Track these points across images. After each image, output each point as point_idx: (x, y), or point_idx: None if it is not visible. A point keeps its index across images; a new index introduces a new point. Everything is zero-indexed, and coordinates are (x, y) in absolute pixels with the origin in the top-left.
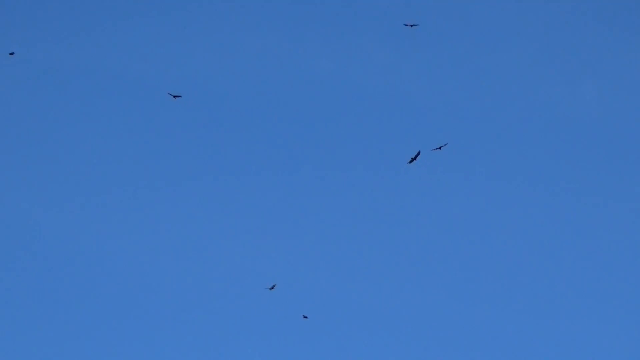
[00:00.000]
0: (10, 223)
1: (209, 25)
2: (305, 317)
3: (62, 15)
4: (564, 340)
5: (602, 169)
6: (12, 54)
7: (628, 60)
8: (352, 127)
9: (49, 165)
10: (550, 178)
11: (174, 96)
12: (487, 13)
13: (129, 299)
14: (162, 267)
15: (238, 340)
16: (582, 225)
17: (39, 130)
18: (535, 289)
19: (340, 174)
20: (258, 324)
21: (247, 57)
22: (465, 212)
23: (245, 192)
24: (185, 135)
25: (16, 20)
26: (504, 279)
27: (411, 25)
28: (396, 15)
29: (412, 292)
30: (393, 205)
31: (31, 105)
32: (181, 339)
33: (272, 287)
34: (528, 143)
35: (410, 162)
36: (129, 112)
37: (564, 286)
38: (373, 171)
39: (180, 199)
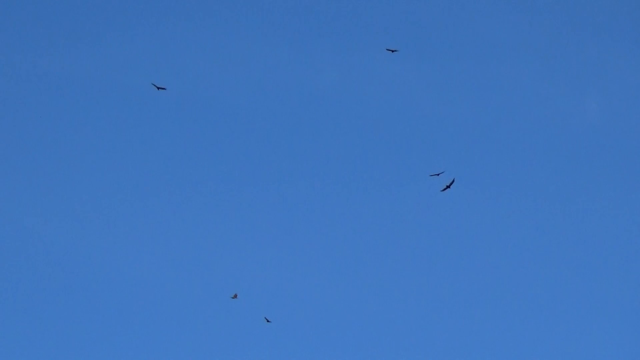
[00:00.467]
0: (8, 231)
1: (213, 36)
2: (268, 321)
3: (70, 23)
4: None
5: (605, 183)
6: None
7: (631, 74)
8: (355, 140)
9: (46, 170)
10: (552, 191)
11: (158, 87)
12: (491, 27)
13: (125, 305)
14: (158, 274)
15: (234, 346)
16: (585, 239)
17: (35, 136)
18: (537, 303)
19: (342, 186)
20: (256, 330)
21: (250, 68)
22: (466, 223)
23: (245, 202)
24: (186, 143)
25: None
26: (505, 290)
27: (392, 51)
28: (403, 28)
29: (408, 301)
30: (393, 218)
31: (27, 112)
32: (179, 345)
33: (234, 297)
34: (531, 156)
35: (444, 190)
36: (132, 120)
37: (570, 304)
38: (376, 183)
39: (183, 207)
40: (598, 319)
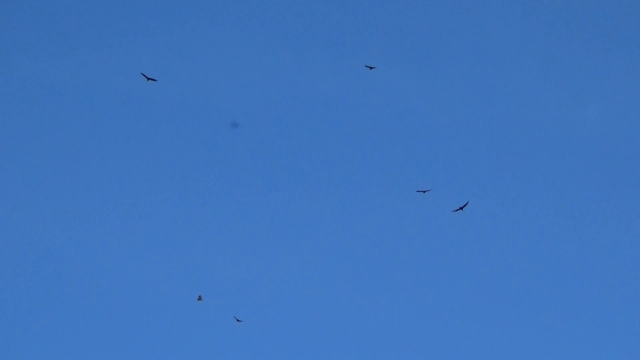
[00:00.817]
0: (10, 234)
1: (215, 45)
2: (239, 321)
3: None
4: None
5: (605, 190)
6: None
7: (631, 81)
8: (353, 144)
9: (46, 172)
10: (552, 197)
11: (148, 78)
12: (491, 34)
13: (122, 307)
14: (154, 275)
15: (234, 346)
16: (585, 244)
17: (35, 139)
18: (537, 306)
19: (342, 194)
20: (254, 331)
21: (249, 74)
22: (463, 228)
23: (241, 205)
24: (185, 146)
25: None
26: (503, 293)
27: (370, 68)
28: (402, 34)
29: (404, 303)
30: (393, 225)
31: (27, 114)
32: (177, 345)
33: (199, 299)
34: (531, 163)
35: (456, 211)
36: (135, 128)
37: (568, 305)
38: (376, 191)
39: (180, 209)
40: (599, 322)
